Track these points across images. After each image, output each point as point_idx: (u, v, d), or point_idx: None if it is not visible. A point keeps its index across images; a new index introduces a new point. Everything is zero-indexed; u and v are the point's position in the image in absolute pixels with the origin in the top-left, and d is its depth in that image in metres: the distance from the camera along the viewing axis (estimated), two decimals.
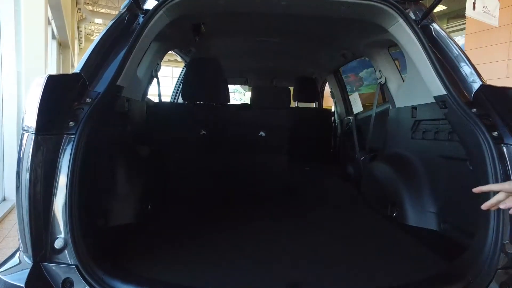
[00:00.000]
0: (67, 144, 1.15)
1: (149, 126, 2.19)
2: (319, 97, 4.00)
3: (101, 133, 1.32)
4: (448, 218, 1.69)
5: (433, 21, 1.68)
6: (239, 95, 12.18)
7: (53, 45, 8.77)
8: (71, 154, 1.14)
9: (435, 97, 1.57)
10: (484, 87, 1.43)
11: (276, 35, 2.59)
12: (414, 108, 1.98)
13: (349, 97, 3.46)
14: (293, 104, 3.61)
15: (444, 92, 1.47)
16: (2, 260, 1.22)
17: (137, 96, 2.05)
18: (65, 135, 1.16)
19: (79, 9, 13.18)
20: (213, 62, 2.50)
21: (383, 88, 2.39)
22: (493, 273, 1.14)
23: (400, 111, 2.16)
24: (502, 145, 1.24)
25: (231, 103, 2.79)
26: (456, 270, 1.23)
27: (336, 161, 3.33)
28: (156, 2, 1.55)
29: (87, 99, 1.26)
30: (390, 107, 2.30)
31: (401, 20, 1.65)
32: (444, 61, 1.57)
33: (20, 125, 4.77)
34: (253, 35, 2.67)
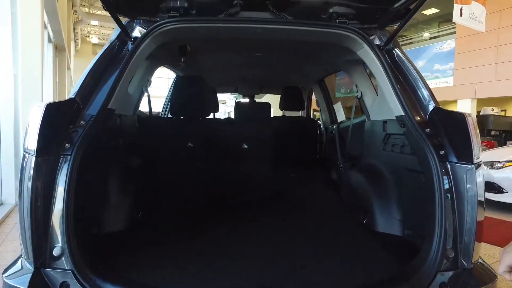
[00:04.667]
0: (64, 164, 1.32)
1: (140, 139, 2.34)
2: (305, 106, 4.17)
3: (94, 150, 1.48)
4: (410, 225, 1.86)
5: (396, 46, 1.85)
6: (233, 101, 12.34)
7: (49, 48, 8.88)
8: (67, 172, 1.30)
9: (396, 117, 1.75)
10: (437, 109, 1.60)
11: (260, 51, 2.76)
12: (385, 122, 2.15)
13: (333, 106, 3.62)
14: (280, 113, 3.77)
15: (402, 113, 1.64)
16: (1, 264, 1.37)
17: (129, 112, 2.20)
18: (61, 156, 1.32)
19: (75, 11, 13.27)
20: (197, 79, 2.67)
21: (360, 101, 2.55)
22: (434, 275, 1.31)
23: (374, 124, 2.32)
24: (447, 162, 1.42)
25: (220, 113, 2.95)
26: (404, 273, 1.40)
27: (321, 167, 3.49)
28: (144, 31, 1.71)
29: (81, 122, 1.42)
30: (366, 120, 2.47)
31: (366, 46, 1.81)
32: (405, 84, 1.74)
33: (16, 128, 4.80)
34: (237, 52, 2.83)
